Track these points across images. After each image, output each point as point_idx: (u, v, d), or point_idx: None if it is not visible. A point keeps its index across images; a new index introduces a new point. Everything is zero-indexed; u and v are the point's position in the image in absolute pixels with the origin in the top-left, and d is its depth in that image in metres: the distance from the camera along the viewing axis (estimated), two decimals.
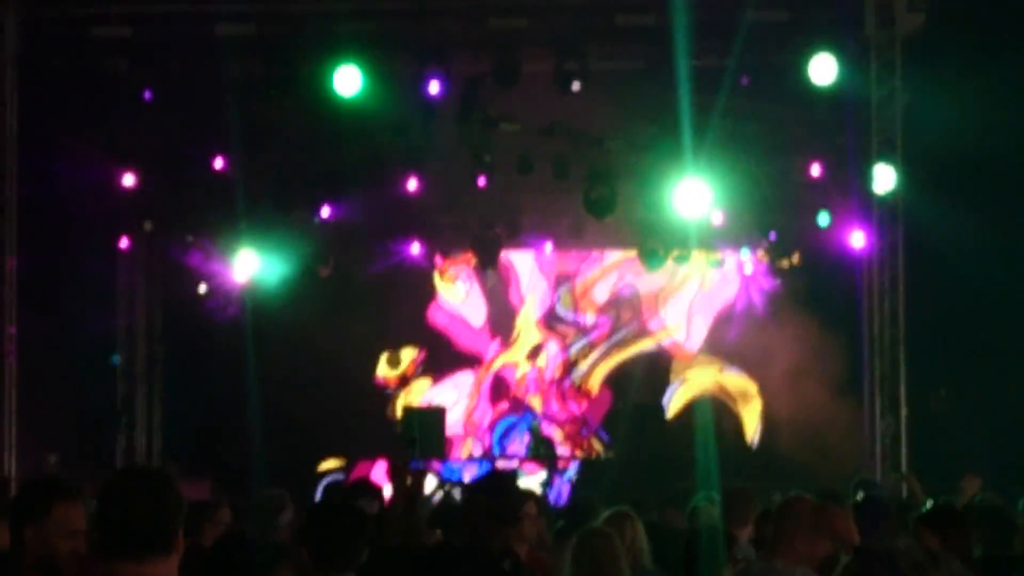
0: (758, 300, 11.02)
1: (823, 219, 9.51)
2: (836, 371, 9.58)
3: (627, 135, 9.29)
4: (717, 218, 9.88)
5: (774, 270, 10.77)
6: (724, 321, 11.60)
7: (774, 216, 10.04)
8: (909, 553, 4.22)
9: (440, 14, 8.44)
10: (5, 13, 8.08)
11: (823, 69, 8.44)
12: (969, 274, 8.64)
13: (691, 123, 8.23)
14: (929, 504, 5.86)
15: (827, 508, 4.16)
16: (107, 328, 9.59)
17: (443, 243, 10.93)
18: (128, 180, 9.12)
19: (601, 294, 11.96)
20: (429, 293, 11.61)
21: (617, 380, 11.82)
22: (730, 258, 11.22)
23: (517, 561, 3.84)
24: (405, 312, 11.47)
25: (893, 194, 8.46)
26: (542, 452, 10.22)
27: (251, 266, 9.92)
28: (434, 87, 8.56)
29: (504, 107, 9.14)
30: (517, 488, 4.84)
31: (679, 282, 11.65)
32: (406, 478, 5.09)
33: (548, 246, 11.32)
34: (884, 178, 8.46)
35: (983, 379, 9.37)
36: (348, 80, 8.22)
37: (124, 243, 10.03)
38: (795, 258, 10.66)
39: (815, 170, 9.47)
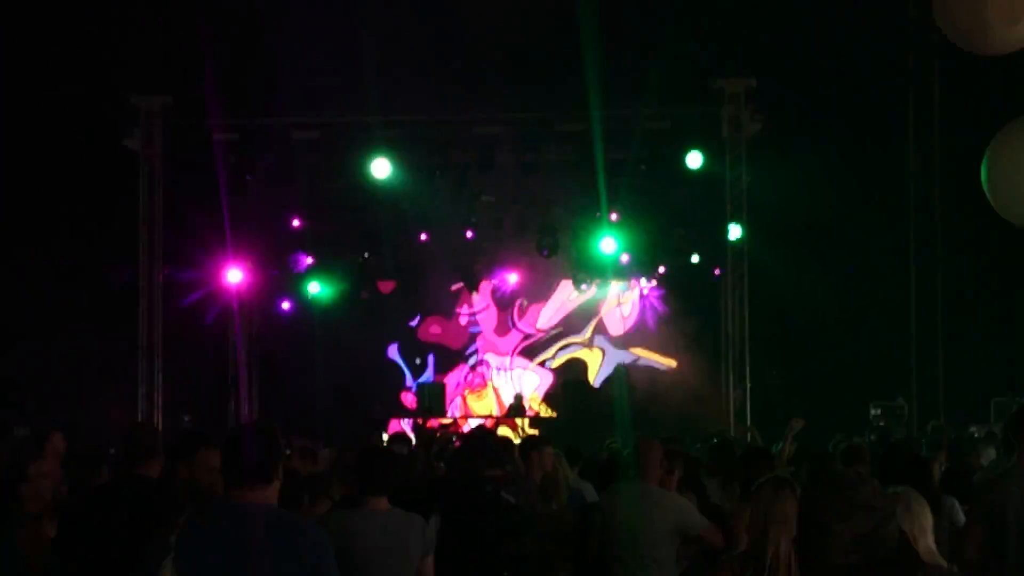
0: (652, 313, 13.97)
1: (695, 258, 12.49)
2: (704, 359, 12.59)
3: (565, 203, 12.03)
4: (624, 258, 12.59)
5: (663, 293, 13.78)
6: (632, 326, 14.45)
7: (662, 257, 12.91)
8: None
9: (441, 124, 11.26)
10: (155, 125, 11.12)
11: (694, 160, 11.27)
12: (792, 294, 11.62)
13: (606, 195, 11.08)
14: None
15: (670, 449, 5.19)
16: (224, 329, 12.57)
17: (444, 275, 14.04)
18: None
19: (549, 310, 14.60)
20: (431, 309, 14.64)
21: (564, 366, 14.65)
22: (634, 285, 14.01)
23: (497, 487, 4.71)
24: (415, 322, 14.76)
25: (740, 242, 11.41)
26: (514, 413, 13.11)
27: (316, 289, 12.86)
28: (438, 172, 11.32)
29: (484, 185, 11.86)
30: (495, 436, 6.47)
31: (606, 302, 14.38)
32: (424, 431, 7.66)
33: (513, 276, 13.94)
34: (734, 232, 11.40)
35: (802, 365, 12.39)
36: (381, 167, 10.99)
37: None
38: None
39: (690, 227, 12.30)
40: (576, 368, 14.66)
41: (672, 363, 13.92)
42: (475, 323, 14.70)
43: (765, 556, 2.76)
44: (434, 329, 14.47)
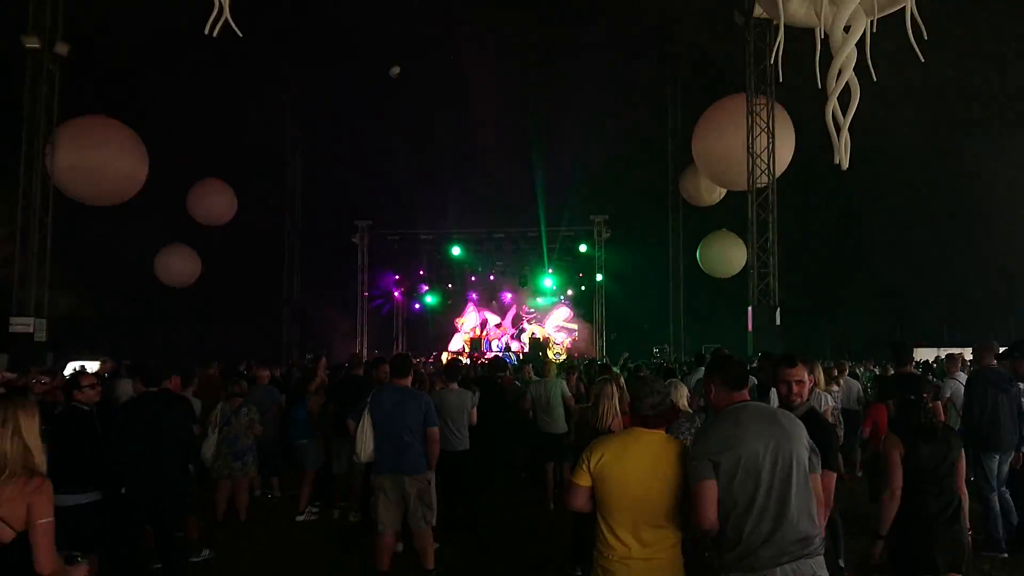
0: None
1: (583, 288, 27.28)
2: (588, 329, 27.12)
3: (529, 264, 26.64)
4: (552, 286, 27.46)
5: (570, 303, 28.25)
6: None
7: (571, 287, 27.72)
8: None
9: (479, 233, 26.23)
10: (364, 235, 25.86)
11: (582, 248, 26.40)
12: (631, 304, 26.57)
13: (547, 261, 26.16)
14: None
15: (570, 365, 19.49)
16: (391, 315, 27.41)
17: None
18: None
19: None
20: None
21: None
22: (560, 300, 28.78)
23: (501, 382, 10.62)
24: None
25: (602, 283, 25.95)
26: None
27: (430, 300, 27.85)
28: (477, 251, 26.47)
29: (498, 256, 26.84)
30: (503, 360, 15.37)
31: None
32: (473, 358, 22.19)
33: (509, 295, 28.91)
34: (598, 278, 26.50)
35: (632, 331, 27.52)
36: (456, 250, 26.14)
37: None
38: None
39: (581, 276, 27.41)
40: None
41: (575, 327, 28.42)
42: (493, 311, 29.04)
43: (599, 410, 5.61)
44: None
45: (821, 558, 3.12)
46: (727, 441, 3.13)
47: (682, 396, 6.02)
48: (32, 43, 15.40)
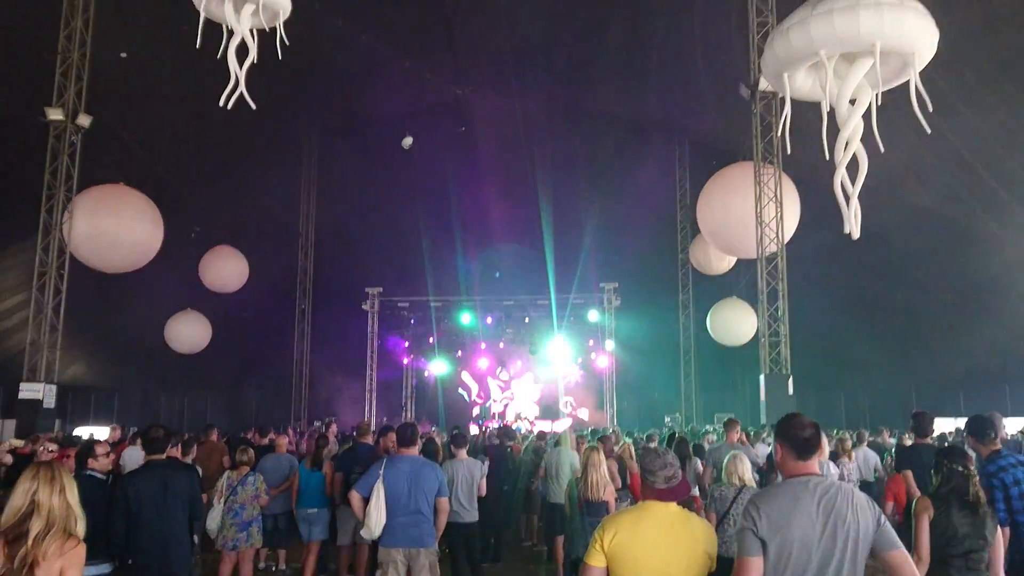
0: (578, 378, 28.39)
1: (592, 356, 27.28)
2: (594, 396, 26.88)
3: (539, 332, 26.76)
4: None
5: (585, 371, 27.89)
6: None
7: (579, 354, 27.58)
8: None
9: (490, 300, 26.31)
10: (374, 300, 26.03)
11: (592, 316, 26.25)
12: (639, 372, 26.39)
13: (556, 322, 26.05)
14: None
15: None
16: (400, 383, 27.35)
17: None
18: None
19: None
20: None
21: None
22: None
23: (510, 447, 11.44)
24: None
25: (614, 351, 26.29)
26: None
27: (440, 367, 27.61)
28: (488, 318, 26.31)
29: (508, 325, 26.77)
30: (511, 430, 13.91)
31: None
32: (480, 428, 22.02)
33: (519, 362, 28.83)
34: (610, 345, 26.38)
35: (642, 399, 27.23)
36: (465, 317, 26.07)
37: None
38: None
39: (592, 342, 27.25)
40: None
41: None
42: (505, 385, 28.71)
43: (588, 480, 6.37)
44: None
45: None
46: (780, 519, 2.95)
47: (746, 470, 6.00)
48: (56, 115, 15.84)
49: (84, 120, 16.13)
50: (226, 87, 9.40)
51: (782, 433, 3.18)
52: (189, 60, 16.07)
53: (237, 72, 9.38)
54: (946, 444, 10.42)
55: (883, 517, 3.03)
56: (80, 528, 3.24)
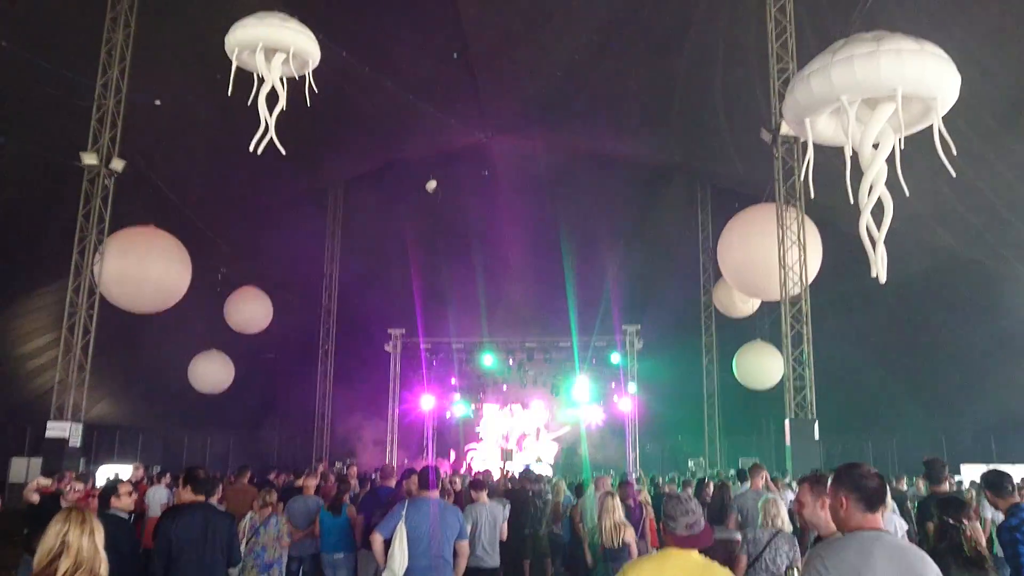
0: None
1: (615, 398, 27.04)
2: (620, 443, 26.69)
3: (563, 374, 26.72)
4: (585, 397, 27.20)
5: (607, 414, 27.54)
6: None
7: (600, 399, 27.36)
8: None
9: (510, 341, 26.35)
10: (398, 342, 26.14)
11: (615, 359, 26.04)
12: (666, 414, 26.12)
13: (578, 364, 25.92)
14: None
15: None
16: (421, 424, 27.32)
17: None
18: None
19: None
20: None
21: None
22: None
23: (539, 496, 11.13)
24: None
25: (636, 391, 26.15)
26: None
27: (461, 409, 27.52)
28: (510, 360, 26.26)
29: (529, 367, 26.67)
30: (535, 473, 13.84)
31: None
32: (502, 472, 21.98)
33: (541, 403, 28.68)
34: (632, 388, 26.24)
35: (670, 440, 26.87)
36: (487, 359, 26.01)
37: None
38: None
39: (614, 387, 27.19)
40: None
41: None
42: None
43: (604, 526, 6.36)
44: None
45: None
46: (850, 574, 2.80)
47: (782, 514, 5.93)
48: (90, 160, 16.27)
49: (117, 164, 16.54)
50: (256, 133, 9.62)
51: (847, 483, 3.02)
52: (221, 107, 16.57)
53: (267, 119, 9.61)
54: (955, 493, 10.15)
55: None
56: (104, 571, 3.33)
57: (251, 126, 9.72)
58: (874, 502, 2.97)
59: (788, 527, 5.94)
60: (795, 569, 4.02)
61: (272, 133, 9.75)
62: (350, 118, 20.45)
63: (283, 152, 9.90)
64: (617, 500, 6.72)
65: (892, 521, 6.61)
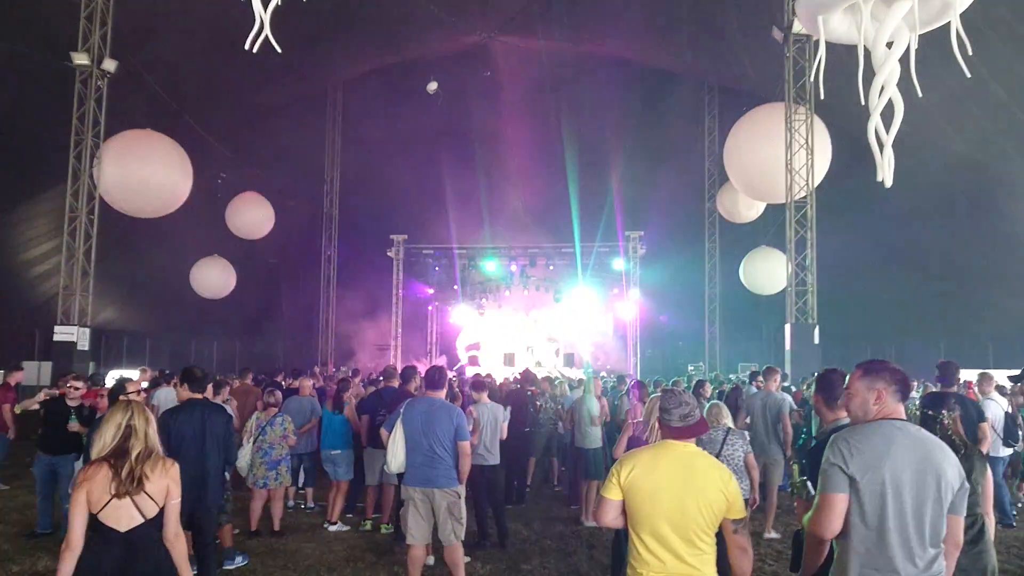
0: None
1: (624, 309, 27.38)
2: (620, 343, 27.12)
3: (565, 280, 26.75)
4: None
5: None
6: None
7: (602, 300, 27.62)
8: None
9: (516, 247, 26.36)
10: (400, 247, 26.16)
11: (617, 264, 25.93)
12: (663, 324, 26.36)
13: (580, 270, 25.94)
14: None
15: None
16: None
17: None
18: None
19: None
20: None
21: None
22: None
23: (531, 393, 11.62)
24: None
25: (636, 296, 26.37)
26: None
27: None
28: (512, 266, 26.42)
29: (532, 273, 26.87)
30: (532, 375, 14.50)
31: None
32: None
33: (543, 308, 28.84)
34: (634, 293, 26.28)
35: (667, 345, 27.31)
36: (490, 265, 26.09)
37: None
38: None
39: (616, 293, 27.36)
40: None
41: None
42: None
43: (650, 423, 5.46)
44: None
45: None
46: (874, 459, 2.92)
47: (726, 416, 6.45)
48: (81, 60, 15.88)
49: (110, 65, 16.15)
50: (251, 31, 9.32)
51: (886, 375, 3.16)
52: (214, 5, 16.06)
53: (261, 15, 9.26)
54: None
55: (967, 482, 3.04)
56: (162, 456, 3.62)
57: (247, 24, 9.33)
58: (906, 392, 3.16)
59: (731, 424, 6.55)
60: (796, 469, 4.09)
61: (268, 30, 9.42)
62: (348, 15, 19.81)
63: (279, 51, 9.59)
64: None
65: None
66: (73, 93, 16.15)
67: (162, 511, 3.45)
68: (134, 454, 3.42)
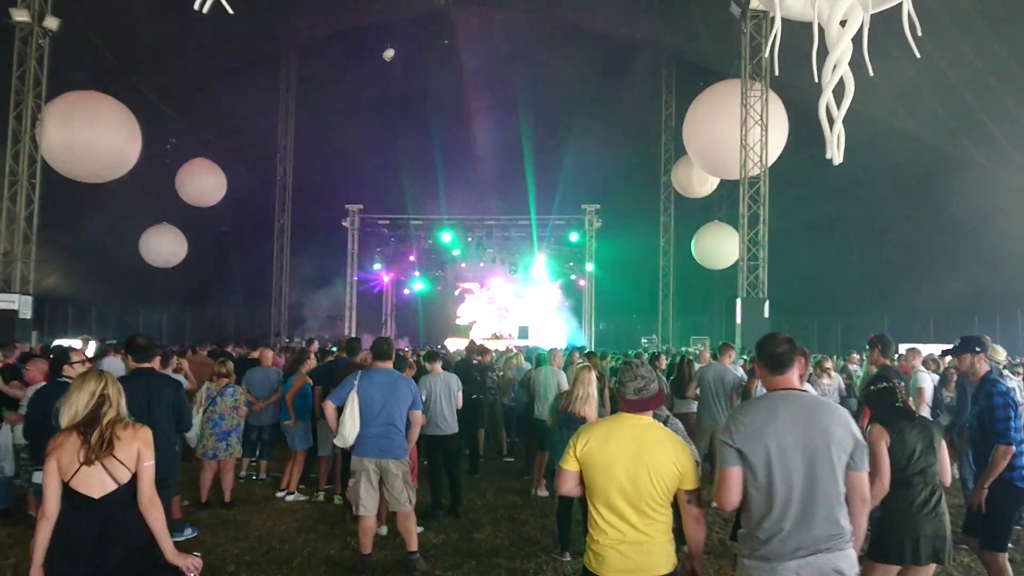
0: (555, 301, 28.57)
1: (572, 277, 27.51)
2: (573, 319, 27.35)
3: (520, 253, 26.78)
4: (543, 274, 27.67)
5: (560, 290, 28.30)
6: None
7: (561, 276, 27.77)
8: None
9: (472, 219, 26.31)
10: (354, 217, 25.80)
11: (573, 237, 26.11)
12: (619, 291, 26.63)
13: (536, 243, 25.98)
14: None
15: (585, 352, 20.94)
16: (380, 298, 27.45)
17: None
18: None
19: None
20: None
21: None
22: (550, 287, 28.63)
23: (480, 363, 11.31)
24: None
25: (593, 272, 26.54)
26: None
27: (420, 286, 27.68)
28: (469, 238, 26.27)
29: (488, 244, 26.81)
30: (477, 345, 13.77)
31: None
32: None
33: (499, 280, 28.93)
34: (589, 267, 26.42)
35: (621, 319, 27.66)
36: (446, 236, 26.00)
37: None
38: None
39: (573, 263, 27.50)
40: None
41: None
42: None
43: (573, 393, 6.62)
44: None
45: (844, 552, 3.03)
46: (756, 431, 3.07)
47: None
48: (21, 16, 15.26)
49: (52, 22, 15.56)
50: None
51: (759, 351, 3.31)
52: None
53: None
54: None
55: (862, 438, 3.12)
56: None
57: None
58: (778, 365, 3.23)
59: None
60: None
61: None
62: None
63: (231, 11, 9.31)
64: (593, 375, 6.82)
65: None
66: (12, 51, 15.51)
67: (135, 476, 3.44)
68: (105, 420, 3.44)
